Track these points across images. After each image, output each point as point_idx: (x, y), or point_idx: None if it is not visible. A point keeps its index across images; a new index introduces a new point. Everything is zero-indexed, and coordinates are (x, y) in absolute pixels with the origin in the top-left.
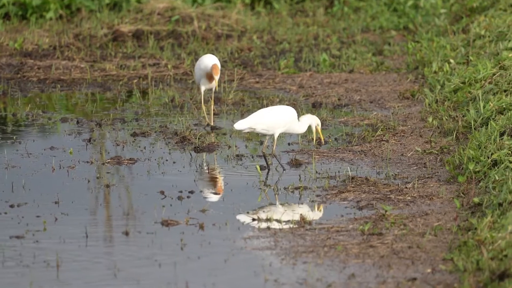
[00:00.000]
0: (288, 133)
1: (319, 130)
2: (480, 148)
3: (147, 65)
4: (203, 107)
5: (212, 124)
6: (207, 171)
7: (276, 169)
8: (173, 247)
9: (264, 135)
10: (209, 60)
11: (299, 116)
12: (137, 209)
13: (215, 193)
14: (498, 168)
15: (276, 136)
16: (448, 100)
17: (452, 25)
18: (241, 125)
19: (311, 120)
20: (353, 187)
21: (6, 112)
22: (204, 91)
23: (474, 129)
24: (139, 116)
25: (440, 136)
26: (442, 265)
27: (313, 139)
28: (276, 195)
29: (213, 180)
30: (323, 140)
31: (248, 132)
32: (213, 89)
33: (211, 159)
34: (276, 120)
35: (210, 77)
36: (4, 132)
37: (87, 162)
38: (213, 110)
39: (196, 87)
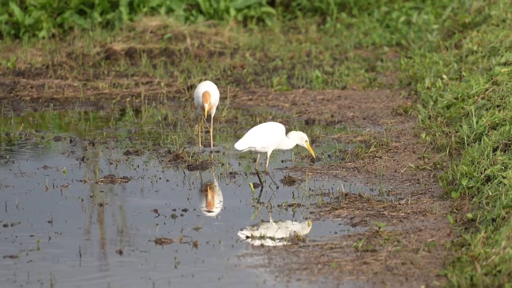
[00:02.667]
0: (279, 149)
1: (308, 145)
2: (473, 164)
3: (140, 83)
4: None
5: (200, 146)
6: (201, 189)
7: (269, 186)
8: (167, 265)
9: (257, 153)
10: (203, 88)
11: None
12: (130, 228)
13: (209, 211)
14: (491, 183)
15: (269, 154)
16: (441, 116)
17: (445, 40)
18: (242, 145)
19: (300, 136)
20: (346, 203)
21: (0, 131)
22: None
23: (467, 144)
24: (132, 135)
25: (433, 152)
26: (436, 281)
27: (312, 155)
28: (270, 213)
29: (206, 198)
30: (314, 155)
31: (246, 151)
32: (212, 116)
33: (205, 177)
34: (272, 137)
35: (203, 108)
36: None
37: (81, 181)
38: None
39: (190, 105)
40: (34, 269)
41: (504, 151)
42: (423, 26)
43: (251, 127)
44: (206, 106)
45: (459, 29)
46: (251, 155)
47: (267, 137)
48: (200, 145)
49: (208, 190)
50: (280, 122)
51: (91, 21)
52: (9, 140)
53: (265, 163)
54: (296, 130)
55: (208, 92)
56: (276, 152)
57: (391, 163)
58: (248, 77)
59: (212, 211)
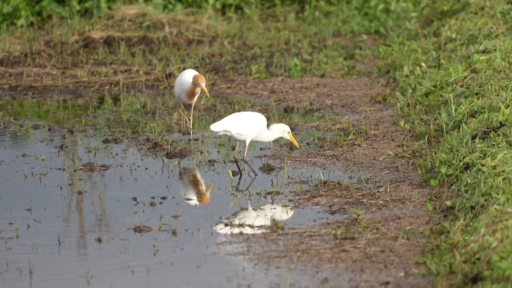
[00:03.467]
0: (257, 141)
1: (291, 136)
2: (452, 152)
3: (119, 71)
4: (181, 113)
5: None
6: (180, 177)
7: (248, 174)
8: (146, 253)
9: (236, 140)
10: (189, 75)
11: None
12: (109, 216)
13: (188, 199)
14: (470, 171)
15: (247, 142)
16: (420, 103)
17: (423, 28)
18: (217, 127)
19: (282, 129)
20: (325, 191)
21: None
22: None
23: (446, 132)
24: (111, 123)
25: (412, 140)
26: (415, 268)
27: (293, 145)
28: (249, 201)
29: (185, 186)
30: (297, 146)
31: (221, 134)
32: (192, 105)
33: (183, 165)
34: (250, 125)
35: (191, 94)
36: None
37: (59, 169)
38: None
39: (169, 93)
40: (13, 257)
41: (483, 139)
42: (402, 14)
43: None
44: (204, 86)
45: (437, 17)
46: (230, 143)
47: (245, 125)
48: (191, 127)
49: (187, 178)
50: (258, 110)
51: (70, 9)
52: None
53: (244, 151)
54: (278, 123)
55: (201, 75)
56: (256, 141)
57: (370, 151)
58: (227, 65)
59: (191, 199)
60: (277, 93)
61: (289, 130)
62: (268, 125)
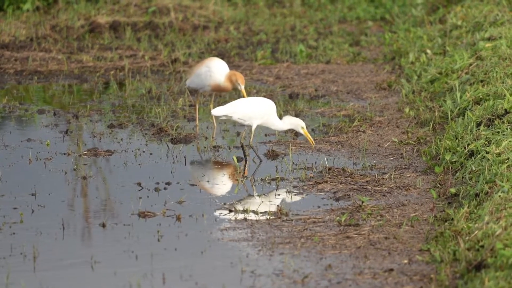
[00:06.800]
0: (266, 127)
1: (306, 132)
2: (456, 139)
3: (124, 56)
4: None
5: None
6: (184, 163)
7: (253, 160)
8: (150, 238)
9: (241, 125)
10: (220, 67)
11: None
12: (114, 201)
13: (192, 185)
14: (474, 158)
15: (253, 128)
16: (425, 90)
17: (429, 15)
18: (219, 111)
19: (295, 123)
20: (329, 178)
21: None
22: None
23: (451, 119)
24: (116, 108)
25: (416, 127)
26: (419, 255)
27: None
28: (253, 186)
29: (190, 172)
30: (313, 143)
31: (225, 119)
32: (213, 97)
33: (188, 150)
34: (253, 110)
35: (220, 89)
36: None
37: (64, 154)
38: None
39: (174, 79)
40: (17, 242)
41: (488, 126)
42: (408, 1)
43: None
44: (243, 88)
45: (443, 4)
46: (235, 128)
47: (247, 110)
48: (197, 123)
49: (192, 164)
50: (263, 96)
51: None
52: None
53: (250, 137)
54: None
55: (241, 74)
56: (260, 127)
57: (375, 138)
58: (232, 51)
59: (196, 185)
60: (282, 79)
61: (304, 125)
62: (282, 116)
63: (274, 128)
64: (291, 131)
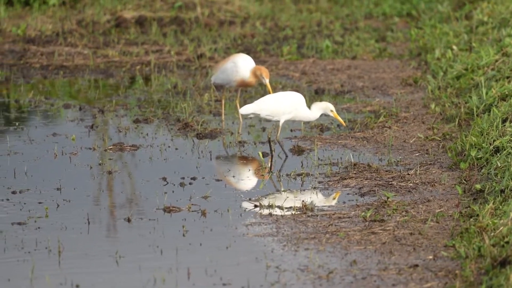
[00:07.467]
0: (299, 120)
1: (336, 114)
2: (482, 135)
3: (150, 51)
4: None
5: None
6: (210, 158)
7: (278, 155)
8: (175, 233)
9: (270, 121)
10: (245, 62)
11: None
12: (139, 196)
13: (217, 180)
14: (500, 154)
15: (281, 123)
16: (451, 86)
17: (455, 11)
18: (246, 110)
19: (323, 107)
20: (355, 173)
21: (9, 98)
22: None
23: (477, 115)
24: (142, 103)
25: (442, 123)
26: (444, 251)
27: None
28: (279, 182)
29: (215, 167)
30: (343, 123)
31: (252, 117)
32: (239, 93)
33: (214, 145)
34: (280, 106)
35: (245, 84)
36: (7, 118)
37: (90, 148)
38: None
39: (200, 74)
40: (42, 236)
41: None
42: None
43: (261, 96)
44: (268, 82)
45: (469, 0)
46: (261, 124)
47: (274, 106)
48: (223, 118)
49: (217, 159)
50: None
51: None
52: (19, 107)
53: (277, 131)
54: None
55: (265, 68)
56: (287, 121)
57: (400, 133)
58: (258, 46)
59: (221, 180)
60: (308, 75)
61: (332, 108)
62: (310, 105)
63: (307, 119)
64: (318, 125)
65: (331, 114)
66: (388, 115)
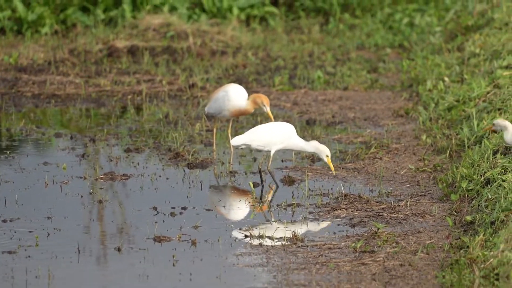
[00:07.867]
0: (290, 150)
1: (329, 161)
2: (473, 167)
3: (142, 81)
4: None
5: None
6: (200, 188)
7: (269, 185)
8: (165, 263)
9: (261, 151)
10: (237, 91)
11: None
12: (129, 225)
13: (208, 210)
14: (491, 186)
15: (272, 153)
16: (442, 118)
17: (447, 43)
18: (237, 141)
19: (320, 149)
20: (345, 204)
21: (0, 127)
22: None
23: (468, 147)
24: (133, 132)
25: (433, 154)
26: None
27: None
28: (269, 212)
29: (206, 197)
30: (334, 171)
31: (244, 148)
32: (230, 123)
33: (205, 175)
34: (271, 136)
35: (240, 113)
36: None
37: (81, 177)
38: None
39: (191, 104)
40: (32, 265)
41: (504, 154)
42: (426, 28)
43: (252, 126)
44: (269, 109)
45: (461, 32)
46: (252, 154)
47: (264, 137)
48: (214, 148)
49: (208, 189)
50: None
51: (94, 18)
52: (10, 136)
53: (268, 162)
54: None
55: (265, 96)
56: (278, 151)
57: (391, 165)
58: (250, 77)
59: (212, 210)
60: (299, 105)
61: (329, 154)
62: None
63: (298, 149)
64: (309, 156)
65: (325, 159)
66: (379, 146)
